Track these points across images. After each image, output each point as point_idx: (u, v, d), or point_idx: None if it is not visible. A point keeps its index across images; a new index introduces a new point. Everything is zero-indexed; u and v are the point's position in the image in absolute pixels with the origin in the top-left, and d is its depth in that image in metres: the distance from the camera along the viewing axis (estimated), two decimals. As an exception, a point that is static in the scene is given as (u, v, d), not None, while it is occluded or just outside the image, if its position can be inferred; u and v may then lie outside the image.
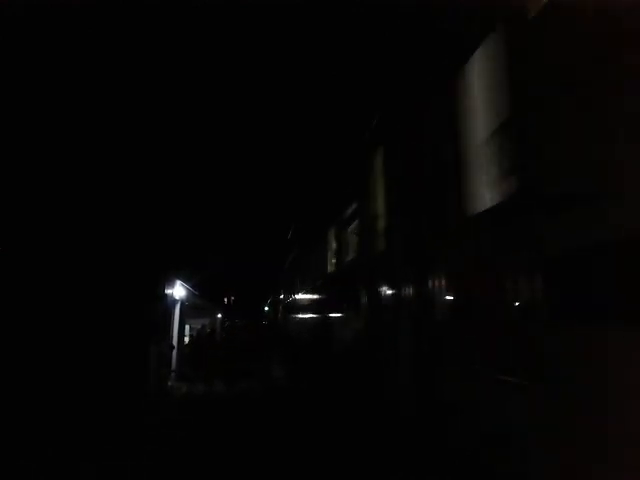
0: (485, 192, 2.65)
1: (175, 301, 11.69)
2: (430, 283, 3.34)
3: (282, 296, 20.16)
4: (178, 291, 11.40)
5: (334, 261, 7.66)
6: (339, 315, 6.49)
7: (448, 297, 3.16)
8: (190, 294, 14.05)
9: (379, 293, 4.48)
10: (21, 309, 5.94)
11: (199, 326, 15.87)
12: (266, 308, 24.43)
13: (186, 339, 14.02)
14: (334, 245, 7.75)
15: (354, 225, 6.15)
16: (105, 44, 6.26)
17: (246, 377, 10.47)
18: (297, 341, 11.16)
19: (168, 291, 10.10)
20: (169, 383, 10.41)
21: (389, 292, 4.21)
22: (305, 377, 8.98)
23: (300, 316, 11.32)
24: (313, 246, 10.06)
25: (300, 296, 11.97)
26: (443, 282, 3.16)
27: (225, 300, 26.19)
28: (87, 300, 6.71)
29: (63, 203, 6.81)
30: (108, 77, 6.72)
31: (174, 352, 11.62)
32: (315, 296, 9.56)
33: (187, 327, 14.23)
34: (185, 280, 12.42)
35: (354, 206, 6.11)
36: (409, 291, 3.67)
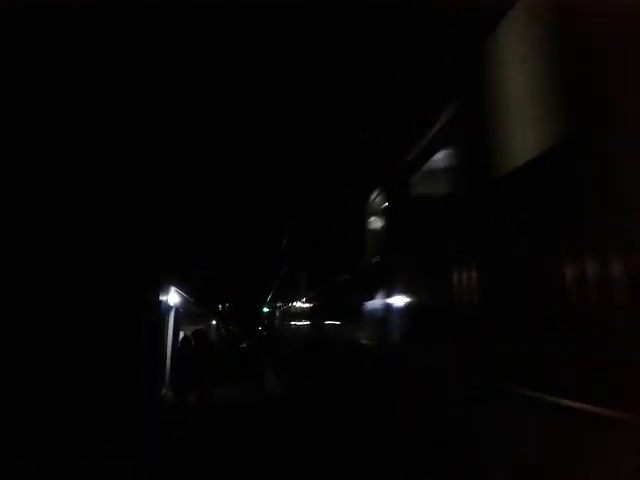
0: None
1: (169, 308, 11.63)
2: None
3: (279, 303, 20.02)
4: (172, 297, 11.35)
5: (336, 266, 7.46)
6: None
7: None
8: (185, 301, 14.00)
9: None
10: (14, 313, 5.91)
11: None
12: (265, 309, 22.95)
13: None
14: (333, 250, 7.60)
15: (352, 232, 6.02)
16: (105, 44, 6.28)
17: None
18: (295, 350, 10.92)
19: (162, 297, 10.06)
20: (163, 392, 10.32)
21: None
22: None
23: (298, 324, 11.22)
24: (310, 253, 9.96)
25: (298, 304, 11.89)
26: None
27: (220, 307, 26.06)
28: (79, 304, 6.68)
29: (57, 208, 6.79)
30: (106, 77, 6.73)
31: (167, 360, 11.52)
32: (311, 304, 9.44)
33: (181, 334, 14.13)
34: (180, 286, 12.38)
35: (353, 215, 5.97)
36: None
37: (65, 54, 5.97)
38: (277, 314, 21.45)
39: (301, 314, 11.10)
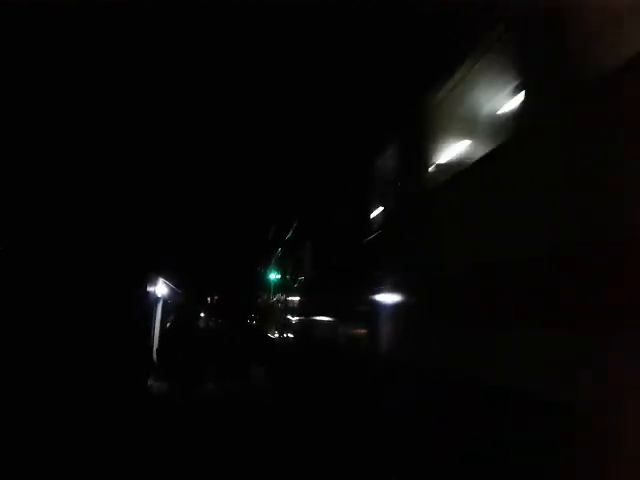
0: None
1: (157, 299, 11.52)
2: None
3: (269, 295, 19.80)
4: (160, 289, 11.24)
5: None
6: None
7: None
8: (173, 292, 13.89)
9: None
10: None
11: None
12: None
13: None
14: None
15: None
16: (104, 44, 6.23)
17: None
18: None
19: (150, 288, 9.95)
20: (148, 382, 10.22)
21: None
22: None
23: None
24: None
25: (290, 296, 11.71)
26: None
27: (209, 299, 25.95)
28: (64, 296, 6.58)
29: (48, 203, 6.70)
30: (100, 76, 6.67)
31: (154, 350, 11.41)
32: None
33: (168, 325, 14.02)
34: (168, 278, 12.26)
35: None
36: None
37: (63, 54, 5.90)
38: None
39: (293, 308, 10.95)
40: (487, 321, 1.99)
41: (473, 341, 2.10)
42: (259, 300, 22.07)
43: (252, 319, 24.83)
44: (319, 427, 5.16)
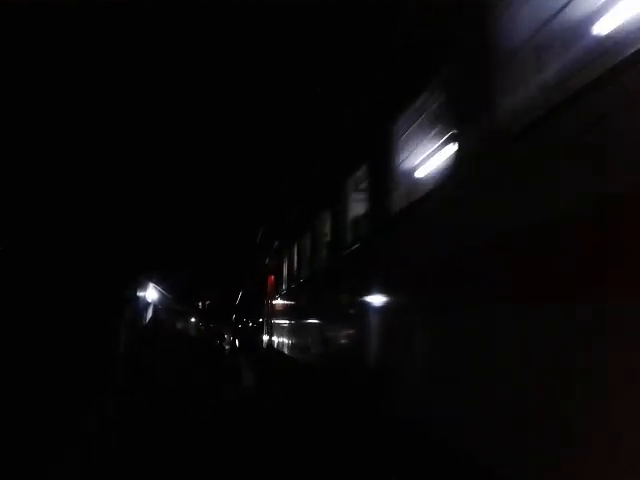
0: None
1: (148, 304, 11.72)
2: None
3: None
4: (151, 293, 11.47)
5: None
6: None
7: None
8: (164, 297, 14.10)
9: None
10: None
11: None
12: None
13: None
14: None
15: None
16: (104, 44, 6.32)
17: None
18: None
19: (140, 293, 10.18)
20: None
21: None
22: None
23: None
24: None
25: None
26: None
27: (200, 304, 26.00)
28: (53, 298, 6.74)
29: (39, 206, 6.88)
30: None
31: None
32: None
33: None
34: (159, 284, 12.49)
35: None
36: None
37: (59, 54, 5.98)
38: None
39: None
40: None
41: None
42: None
43: (248, 322, 24.43)
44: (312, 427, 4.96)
